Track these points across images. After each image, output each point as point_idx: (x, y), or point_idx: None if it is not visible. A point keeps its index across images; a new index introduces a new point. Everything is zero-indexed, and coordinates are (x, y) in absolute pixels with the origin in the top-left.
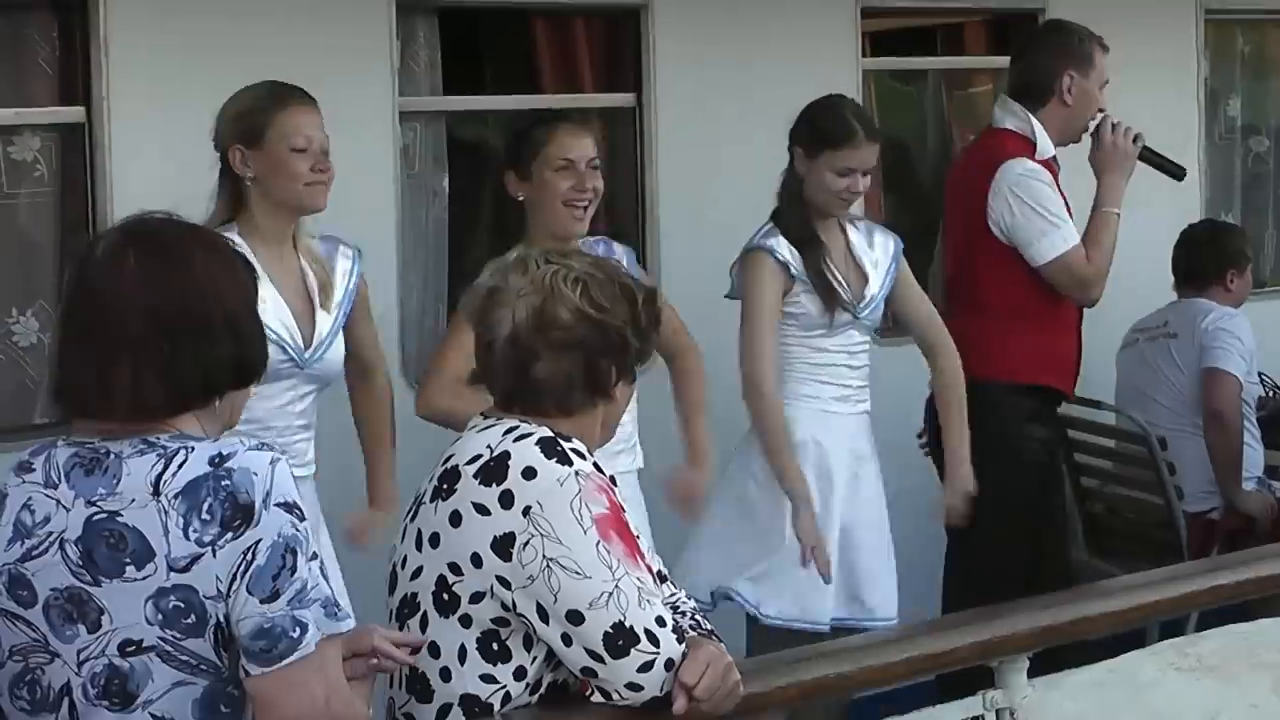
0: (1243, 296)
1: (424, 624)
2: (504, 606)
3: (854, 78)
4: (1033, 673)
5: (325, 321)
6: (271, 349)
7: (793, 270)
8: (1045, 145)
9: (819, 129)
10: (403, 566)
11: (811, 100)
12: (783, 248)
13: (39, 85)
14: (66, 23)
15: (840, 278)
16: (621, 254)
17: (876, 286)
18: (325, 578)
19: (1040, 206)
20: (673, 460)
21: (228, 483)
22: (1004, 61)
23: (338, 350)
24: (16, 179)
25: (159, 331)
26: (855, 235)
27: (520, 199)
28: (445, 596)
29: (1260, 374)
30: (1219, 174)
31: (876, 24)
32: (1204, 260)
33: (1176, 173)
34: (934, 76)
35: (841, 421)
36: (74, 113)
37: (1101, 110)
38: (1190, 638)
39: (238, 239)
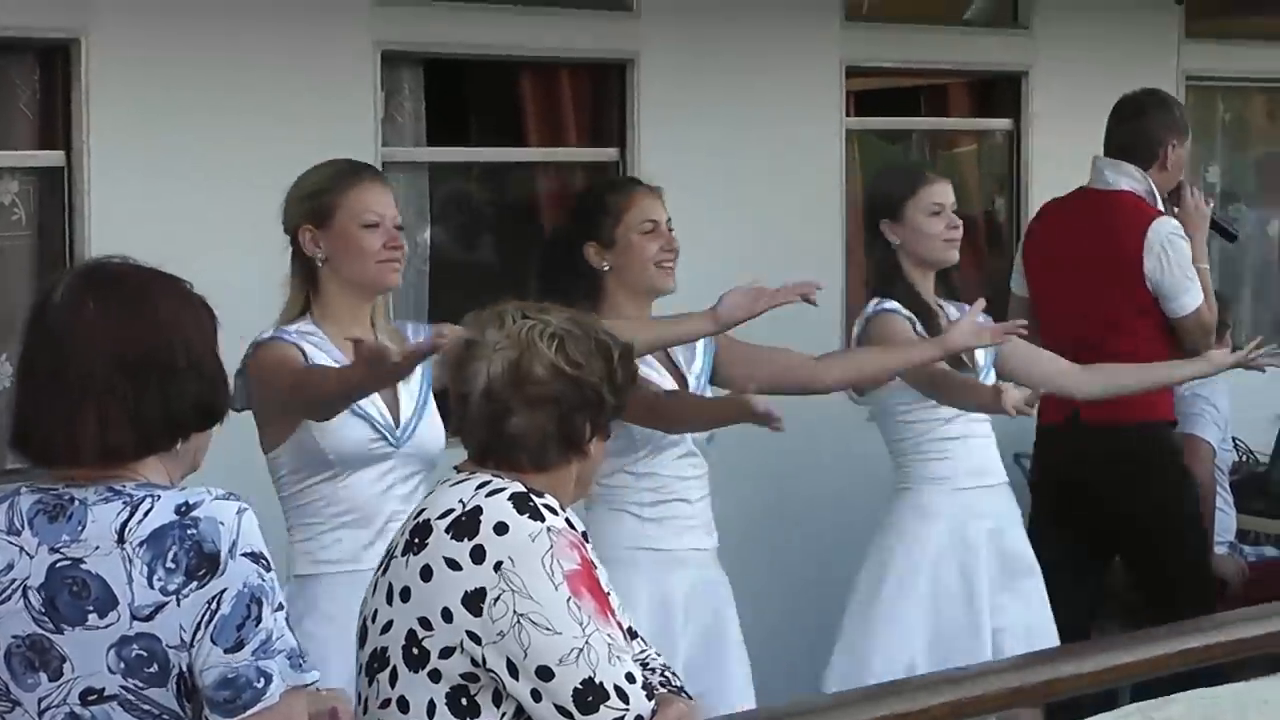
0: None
1: (393, 678)
2: (474, 662)
3: (838, 136)
4: None
5: (408, 399)
6: (362, 428)
7: (918, 332)
8: (1159, 206)
9: (890, 189)
10: (373, 620)
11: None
12: (905, 312)
13: (19, 129)
14: (48, 66)
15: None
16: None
17: (982, 355)
18: (291, 630)
19: (1185, 264)
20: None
21: (193, 531)
22: (987, 122)
23: (431, 427)
24: None
25: (124, 375)
26: (952, 312)
27: (605, 269)
28: (415, 651)
29: (1235, 439)
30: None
31: (861, 83)
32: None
33: (1232, 236)
34: (918, 137)
35: (988, 498)
36: (53, 157)
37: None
38: (1157, 701)
39: (312, 324)
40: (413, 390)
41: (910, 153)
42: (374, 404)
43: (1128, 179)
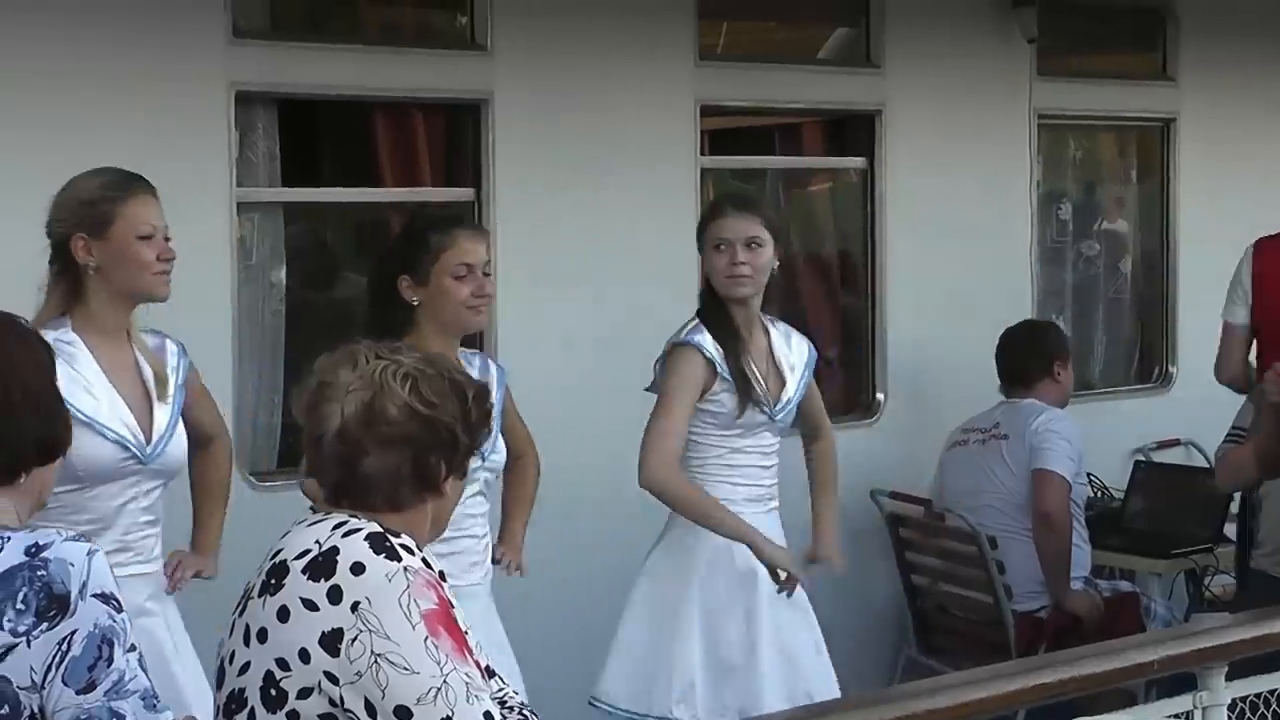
0: (1069, 387)
1: (251, 719)
2: (331, 702)
3: (693, 175)
4: None
5: (163, 415)
6: (112, 448)
7: (718, 368)
8: None
9: (702, 216)
10: (230, 661)
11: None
12: (709, 344)
13: None
14: None
15: (760, 378)
16: (493, 371)
17: (793, 389)
18: (144, 670)
19: None
20: None
21: (44, 573)
22: (841, 161)
23: (179, 443)
24: None
25: None
26: (776, 337)
27: (415, 303)
28: (273, 692)
29: (1089, 475)
30: (1050, 277)
31: (716, 122)
32: (1028, 357)
33: None
34: (772, 175)
35: (755, 521)
36: None
37: None
38: None
39: (72, 334)
40: (167, 409)
41: (764, 191)
42: (125, 425)
43: None
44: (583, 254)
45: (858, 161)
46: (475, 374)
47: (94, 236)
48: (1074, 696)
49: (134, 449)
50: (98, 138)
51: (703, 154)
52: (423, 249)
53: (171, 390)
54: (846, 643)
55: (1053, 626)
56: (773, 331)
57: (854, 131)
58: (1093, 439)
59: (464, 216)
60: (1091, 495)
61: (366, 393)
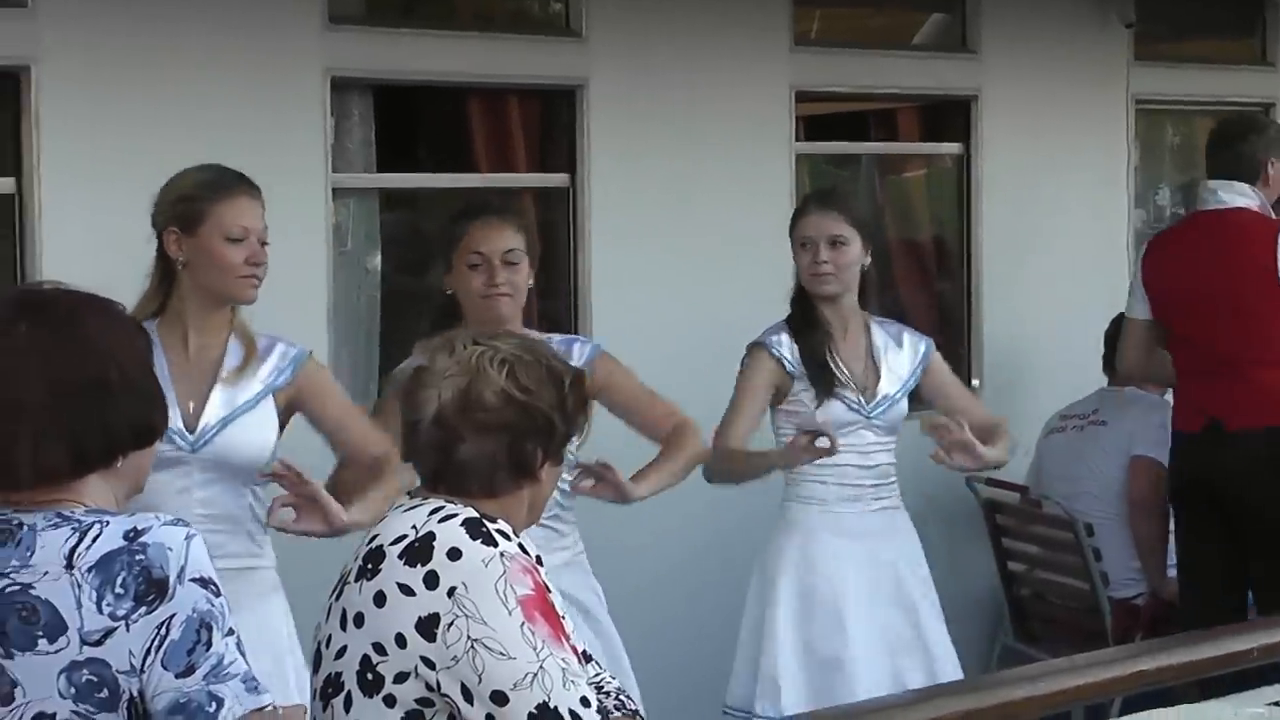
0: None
1: (348, 704)
2: (428, 687)
3: (787, 161)
4: None
5: (218, 406)
6: None
7: (788, 367)
8: (1274, 216)
9: (792, 215)
10: (327, 645)
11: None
12: (782, 343)
13: None
14: None
15: (848, 372)
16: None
17: (892, 388)
18: (243, 654)
19: None
20: None
21: (142, 557)
22: (936, 147)
23: (237, 438)
24: None
25: (58, 397)
26: (880, 336)
27: (450, 293)
28: (369, 676)
29: None
30: None
31: (810, 108)
32: None
33: None
34: (867, 161)
35: (853, 522)
36: (4, 183)
37: None
38: (1146, 714)
39: (151, 330)
40: (232, 399)
41: (859, 177)
42: (172, 409)
43: (1242, 197)
44: (677, 239)
45: (954, 147)
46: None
47: (185, 232)
48: (1171, 684)
49: (174, 435)
50: (194, 124)
51: (797, 139)
52: (449, 237)
53: (252, 387)
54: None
55: (1149, 614)
56: (876, 331)
57: (950, 117)
58: None
59: (490, 205)
60: None
61: (463, 379)
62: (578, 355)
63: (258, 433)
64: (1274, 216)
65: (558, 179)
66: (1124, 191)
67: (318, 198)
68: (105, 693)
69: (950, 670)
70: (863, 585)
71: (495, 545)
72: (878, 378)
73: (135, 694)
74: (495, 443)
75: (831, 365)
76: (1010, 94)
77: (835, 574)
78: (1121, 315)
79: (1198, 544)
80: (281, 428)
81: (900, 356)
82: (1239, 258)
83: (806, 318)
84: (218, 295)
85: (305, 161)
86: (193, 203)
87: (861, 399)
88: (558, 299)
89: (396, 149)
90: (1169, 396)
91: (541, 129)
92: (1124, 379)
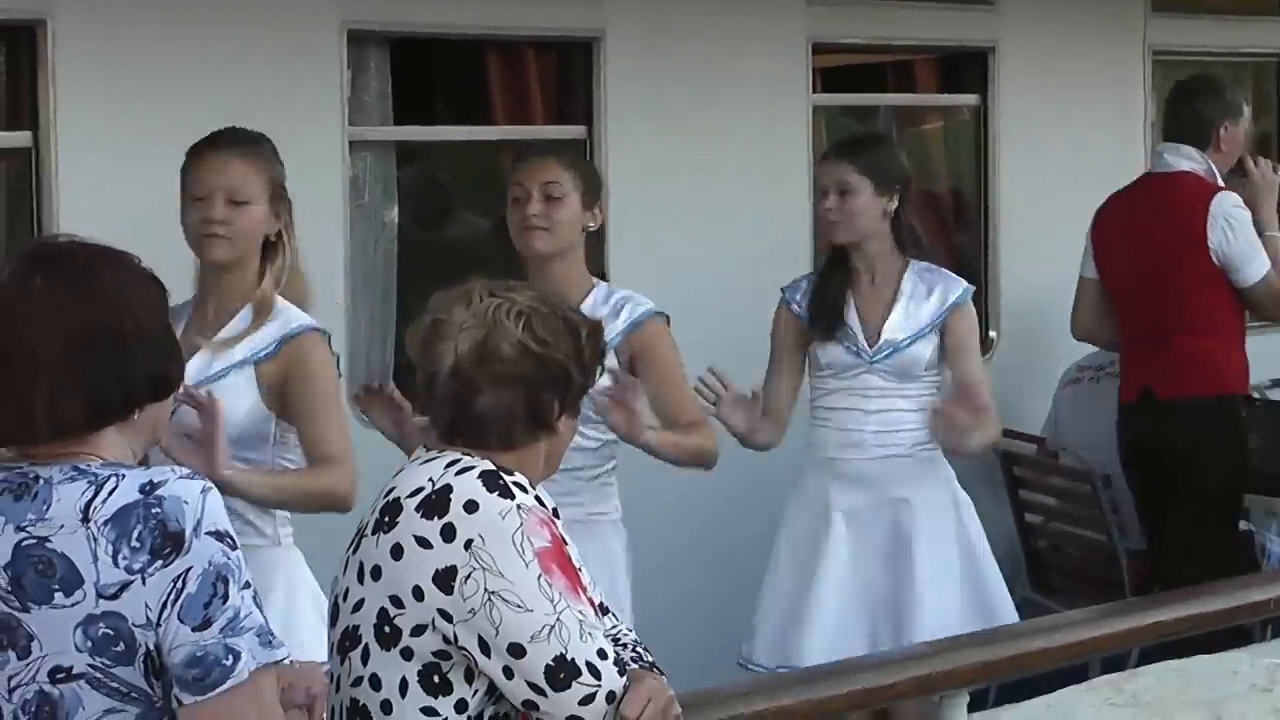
0: None
1: (365, 656)
2: (445, 640)
3: (804, 113)
4: (974, 707)
5: (192, 369)
6: None
7: (799, 315)
8: (1220, 183)
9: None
10: (344, 599)
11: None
12: (799, 292)
13: None
14: (14, 48)
15: (858, 317)
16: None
17: (899, 334)
18: (259, 607)
19: (1250, 234)
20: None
21: (158, 510)
22: (954, 98)
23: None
24: None
25: (74, 349)
26: (911, 284)
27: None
28: (386, 629)
29: None
30: None
31: (827, 60)
32: None
33: None
34: (885, 113)
35: (851, 468)
36: (20, 137)
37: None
38: (1126, 674)
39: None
40: (206, 366)
41: (877, 128)
42: None
43: (1188, 160)
44: (693, 191)
45: (971, 99)
46: (606, 310)
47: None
48: (1188, 635)
49: None
50: (210, 77)
51: (814, 91)
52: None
53: (232, 356)
54: None
55: None
56: (910, 278)
57: (967, 68)
58: None
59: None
60: None
61: (480, 331)
62: (626, 314)
63: (234, 396)
64: (1221, 183)
65: (574, 131)
66: (1140, 143)
67: (334, 151)
68: (121, 646)
69: (930, 631)
70: (846, 535)
71: (512, 498)
72: (884, 322)
73: (151, 647)
74: (512, 395)
75: (831, 308)
76: (1027, 45)
77: (820, 520)
78: None
79: (1148, 516)
80: (272, 406)
81: (924, 305)
82: (1171, 224)
83: (831, 263)
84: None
85: (321, 115)
86: (184, 167)
87: (863, 343)
88: None
89: (413, 102)
90: None
91: (558, 81)
92: (1079, 340)
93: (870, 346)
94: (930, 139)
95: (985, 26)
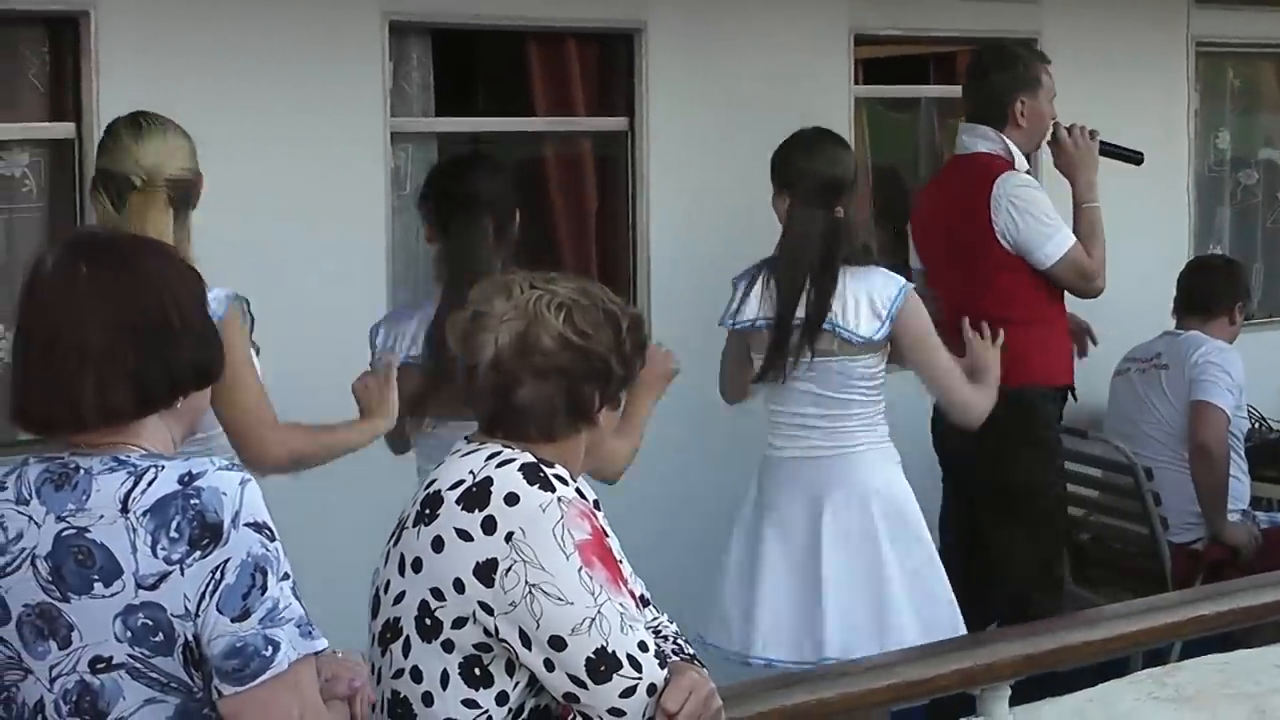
0: (1238, 332)
1: (406, 648)
2: (486, 632)
3: (846, 105)
4: (1015, 701)
5: None
6: None
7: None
8: (1021, 161)
9: (774, 162)
10: (385, 591)
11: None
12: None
13: (29, 101)
14: (58, 39)
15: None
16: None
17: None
18: (298, 598)
19: (1040, 212)
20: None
21: (196, 501)
22: None
23: None
24: (5, 194)
25: (119, 337)
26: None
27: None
28: (428, 622)
29: (1249, 407)
30: (1208, 206)
31: (869, 51)
32: (1219, 289)
33: (1135, 158)
34: (926, 104)
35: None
36: (64, 128)
37: (1054, 119)
38: (1169, 667)
39: None
40: None
41: (918, 120)
42: None
43: (983, 141)
44: (735, 182)
45: None
46: None
47: None
48: (1232, 629)
49: None
50: (252, 68)
51: (856, 83)
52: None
53: None
54: None
55: (1209, 559)
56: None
57: None
58: (1252, 370)
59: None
60: (1250, 427)
61: (521, 323)
62: None
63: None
64: (1021, 160)
65: (616, 123)
66: (1184, 134)
67: (376, 142)
68: (160, 636)
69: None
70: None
71: (553, 490)
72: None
73: (190, 638)
74: (553, 387)
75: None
76: (1070, 36)
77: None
78: (1196, 259)
79: (956, 523)
80: None
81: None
82: (961, 210)
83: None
84: None
85: (364, 106)
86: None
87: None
88: (617, 242)
89: (455, 93)
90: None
91: (600, 72)
92: None
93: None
94: None
95: (1027, 17)
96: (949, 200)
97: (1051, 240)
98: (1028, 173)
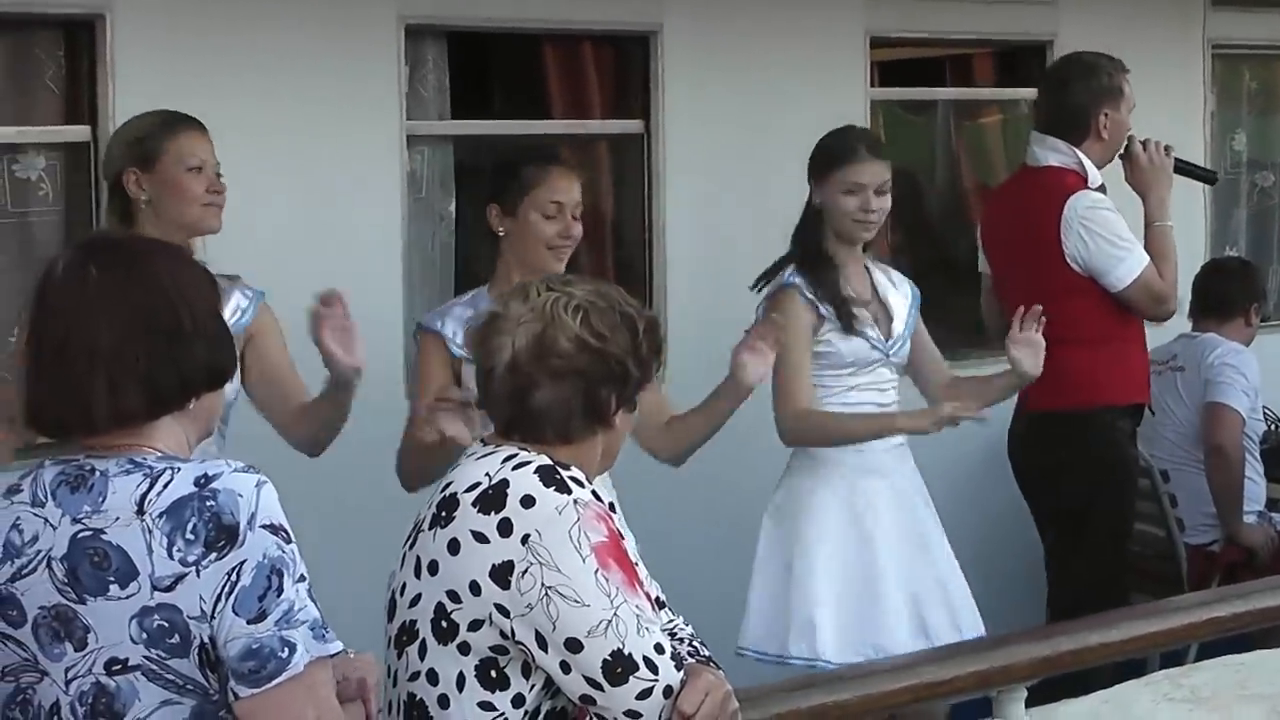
0: (1254, 335)
1: (422, 651)
2: (502, 634)
3: (862, 107)
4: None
5: None
6: None
7: (821, 310)
8: (1095, 176)
9: (823, 151)
10: (401, 593)
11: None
12: (806, 285)
13: (45, 104)
14: (73, 42)
15: (868, 314)
16: None
17: (901, 325)
18: (313, 601)
19: (1112, 234)
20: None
21: (212, 503)
22: (1013, 92)
23: None
24: (21, 197)
25: (131, 339)
26: (879, 276)
27: (501, 234)
28: (444, 624)
29: (1265, 408)
30: (1224, 208)
31: (885, 54)
32: (1234, 292)
33: (1209, 178)
34: (943, 107)
35: (877, 459)
36: (79, 131)
37: (1130, 132)
38: (1184, 669)
39: None
40: None
41: (934, 123)
42: None
43: (1055, 154)
44: (751, 185)
45: (1030, 92)
46: None
47: (144, 170)
48: (1248, 630)
49: None
50: (268, 72)
51: (872, 85)
52: (515, 179)
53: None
54: (1018, 574)
55: (1225, 560)
56: (874, 271)
57: (1025, 62)
58: (1267, 372)
59: (560, 153)
60: (1266, 429)
61: (537, 325)
62: None
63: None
64: (1094, 177)
65: (632, 125)
66: (1200, 136)
67: (392, 144)
68: (176, 638)
69: (970, 621)
70: (891, 526)
71: (569, 492)
72: (890, 316)
73: (206, 640)
74: (570, 389)
75: (852, 306)
76: (1086, 39)
77: (868, 514)
78: (1212, 261)
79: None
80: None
81: (898, 297)
82: (1030, 227)
83: (822, 262)
84: (184, 227)
85: (379, 108)
86: (148, 141)
87: (880, 336)
88: (633, 245)
89: (471, 96)
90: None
91: (616, 75)
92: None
93: (886, 339)
94: (988, 133)
95: (1043, 20)
96: (1017, 216)
97: (1124, 264)
98: (1100, 188)
